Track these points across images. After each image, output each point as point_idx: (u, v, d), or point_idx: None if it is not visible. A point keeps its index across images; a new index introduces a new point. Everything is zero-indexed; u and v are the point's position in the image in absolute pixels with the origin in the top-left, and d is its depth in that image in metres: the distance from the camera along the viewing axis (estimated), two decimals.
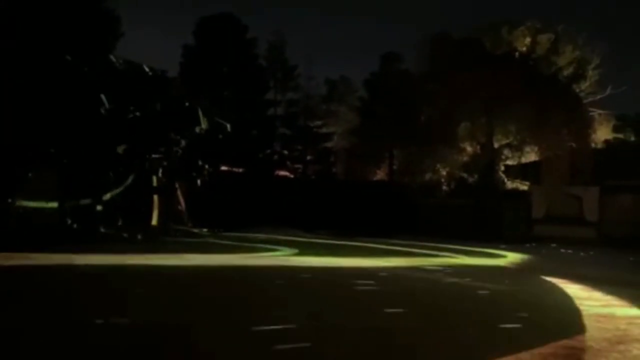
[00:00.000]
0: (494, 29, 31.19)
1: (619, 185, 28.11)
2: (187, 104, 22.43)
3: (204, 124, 22.32)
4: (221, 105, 30.00)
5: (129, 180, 20.31)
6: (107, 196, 19.49)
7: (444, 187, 31.58)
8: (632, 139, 38.56)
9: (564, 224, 28.09)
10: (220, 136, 24.34)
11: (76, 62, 18.61)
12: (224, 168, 31.61)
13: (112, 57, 20.81)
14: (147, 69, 21.34)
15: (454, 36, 32.33)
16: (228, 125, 25.23)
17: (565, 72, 31.39)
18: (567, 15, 62.86)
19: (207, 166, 24.30)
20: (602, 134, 32.93)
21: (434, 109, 31.02)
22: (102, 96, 18.70)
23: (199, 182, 24.12)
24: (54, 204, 18.05)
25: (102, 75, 19.39)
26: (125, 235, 18.90)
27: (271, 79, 38.88)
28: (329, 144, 39.10)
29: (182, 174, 24.20)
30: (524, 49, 31.25)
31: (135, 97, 20.21)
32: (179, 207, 24.81)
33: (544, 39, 31.33)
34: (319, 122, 39.31)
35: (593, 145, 30.65)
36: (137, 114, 20.09)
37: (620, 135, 36.98)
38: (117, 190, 19.90)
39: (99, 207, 19.22)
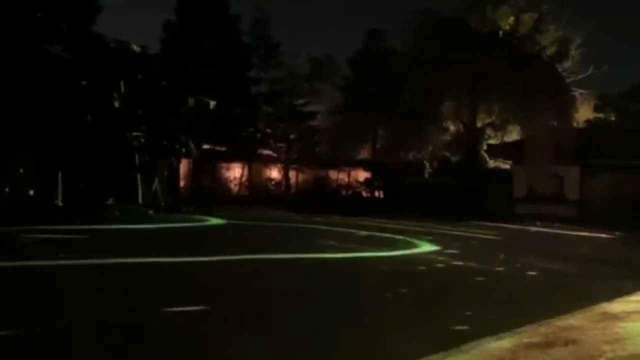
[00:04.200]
0: (478, 7, 31.08)
1: (599, 164, 28.45)
2: (169, 81, 22.14)
3: (189, 102, 22.08)
4: (204, 83, 29.59)
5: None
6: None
7: (427, 167, 31.60)
8: (613, 118, 39.02)
9: (545, 202, 28.44)
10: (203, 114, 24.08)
11: (59, 39, 18.16)
12: (206, 146, 31.30)
13: (107, 38, 20.34)
14: (135, 48, 20.94)
15: (440, 14, 32.16)
16: (211, 103, 24.95)
17: (549, 52, 31.46)
18: None
19: (189, 146, 24.04)
20: (584, 113, 33.21)
21: (418, 88, 30.94)
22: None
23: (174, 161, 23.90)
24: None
25: (83, 53, 18.96)
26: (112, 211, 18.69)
27: (254, 56, 38.40)
28: (312, 123, 38.85)
29: (164, 153, 23.92)
30: (508, 27, 31.22)
31: (119, 75, 19.85)
32: (156, 186, 24.55)
33: (528, 17, 31.32)
34: (302, 101, 39.00)
35: (575, 124, 30.89)
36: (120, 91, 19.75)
37: (601, 115, 37.38)
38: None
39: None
